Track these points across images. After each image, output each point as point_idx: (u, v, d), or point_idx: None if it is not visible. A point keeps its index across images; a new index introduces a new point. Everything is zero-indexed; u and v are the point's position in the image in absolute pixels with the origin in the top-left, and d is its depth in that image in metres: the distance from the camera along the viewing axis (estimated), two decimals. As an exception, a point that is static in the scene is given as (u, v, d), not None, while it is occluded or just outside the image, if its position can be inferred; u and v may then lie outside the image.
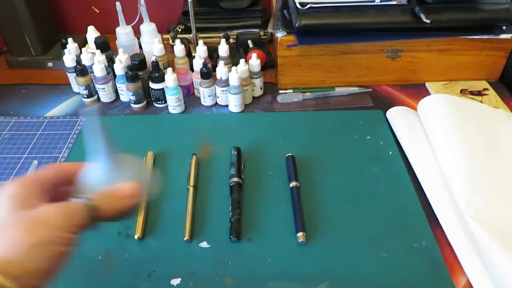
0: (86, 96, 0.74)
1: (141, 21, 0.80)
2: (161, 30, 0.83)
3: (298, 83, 0.78)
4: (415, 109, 0.69)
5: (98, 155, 0.35)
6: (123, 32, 0.78)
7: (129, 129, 0.69)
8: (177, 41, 0.77)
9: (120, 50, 0.73)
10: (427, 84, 0.78)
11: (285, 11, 0.77)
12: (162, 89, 0.71)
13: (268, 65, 0.84)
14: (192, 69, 0.77)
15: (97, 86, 0.74)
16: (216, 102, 0.74)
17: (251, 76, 0.73)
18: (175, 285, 0.46)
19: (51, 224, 0.31)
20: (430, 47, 0.73)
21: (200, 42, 0.76)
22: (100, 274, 0.47)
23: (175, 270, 0.48)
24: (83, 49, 0.75)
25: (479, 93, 0.75)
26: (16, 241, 0.30)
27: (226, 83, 0.71)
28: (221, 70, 0.70)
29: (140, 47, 0.83)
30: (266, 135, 0.67)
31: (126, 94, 0.74)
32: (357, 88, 0.77)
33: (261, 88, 0.76)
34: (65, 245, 0.32)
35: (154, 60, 0.70)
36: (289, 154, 0.61)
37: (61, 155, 0.64)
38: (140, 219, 0.53)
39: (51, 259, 0.31)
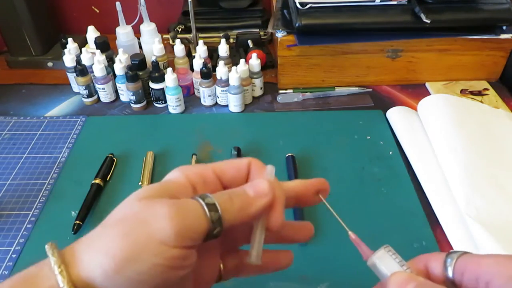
0: (86, 96, 0.74)
1: (141, 21, 0.80)
2: (161, 30, 0.83)
3: (298, 83, 0.78)
4: (415, 109, 0.69)
5: None
6: (123, 32, 0.78)
7: (129, 129, 0.69)
8: (177, 41, 0.77)
9: (120, 50, 0.73)
10: (427, 84, 0.78)
11: (285, 11, 0.77)
12: (162, 89, 0.71)
13: (268, 65, 0.83)
14: (192, 69, 0.77)
15: (97, 86, 0.74)
16: (216, 102, 0.74)
17: (251, 76, 0.73)
18: (175, 285, 0.46)
19: (154, 231, 0.23)
20: (430, 47, 0.73)
21: (200, 42, 0.76)
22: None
23: (175, 270, 0.47)
24: (83, 49, 0.75)
25: (479, 93, 0.75)
26: (107, 252, 0.23)
27: (226, 83, 0.71)
28: (221, 70, 0.70)
29: (140, 47, 0.83)
30: (266, 135, 0.67)
31: (126, 94, 0.74)
32: (357, 88, 0.77)
33: (261, 88, 0.76)
34: (173, 268, 0.23)
35: (154, 60, 0.70)
36: (289, 154, 0.61)
37: (61, 155, 0.64)
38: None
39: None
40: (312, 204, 0.32)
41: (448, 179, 0.55)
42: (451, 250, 0.27)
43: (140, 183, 0.58)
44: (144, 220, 0.23)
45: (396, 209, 0.54)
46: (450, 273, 0.26)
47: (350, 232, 0.31)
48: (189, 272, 0.25)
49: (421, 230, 0.52)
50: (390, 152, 0.63)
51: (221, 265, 0.31)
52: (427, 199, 0.55)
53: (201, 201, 0.25)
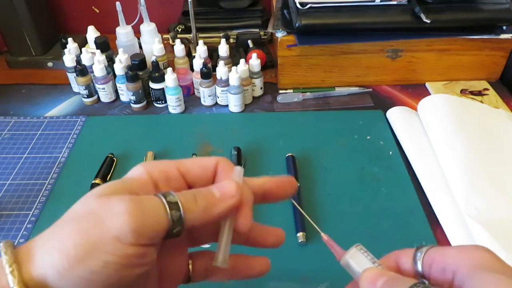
0: (86, 96, 0.74)
1: (141, 21, 0.80)
2: (161, 30, 0.83)
3: (298, 83, 0.78)
4: (415, 109, 0.69)
5: None
6: (123, 32, 0.78)
7: (129, 129, 0.69)
8: (177, 41, 0.77)
9: (120, 50, 0.73)
10: (427, 84, 0.78)
11: (285, 11, 0.77)
12: (162, 89, 0.71)
13: (268, 65, 0.83)
14: (192, 69, 0.77)
15: (97, 86, 0.74)
16: (216, 102, 0.74)
17: (251, 76, 0.73)
18: (175, 285, 0.46)
19: (109, 228, 0.22)
20: (430, 47, 0.73)
21: (200, 42, 0.76)
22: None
23: (175, 270, 0.47)
24: (83, 49, 0.75)
25: (479, 93, 0.75)
26: (59, 249, 0.22)
27: (226, 83, 0.71)
28: (221, 70, 0.70)
29: (140, 47, 0.83)
30: (266, 135, 0.67)
31: (126, 94, 0.74)
32: (357, 88, 0.77)
33: (261, 88, 0.76)
34: (129, 266, 0.23)
35: (154, 60, 0.70)
36: (289, 154, 0.61)
37: (61, 155, 0.64)
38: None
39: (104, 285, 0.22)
40: (278, 201, 0.32)
41: (448, 179, 0.55)
42: (420, 245, 0.27)
43: (140, 183, 0.58)
44: (99, 217, 0.22)
45: (396, 209, 0.54)
46: (419, 267, 0.26)
47: (322, 234, 0.31)
48: (147, 269, 0.24)
49: (421, 230, 0.52)
50: (390, 152, 0.63)
51: (190, 266, 0.30)
52: (427, 199, 0.55)
53: (162, 198, 0.24)
